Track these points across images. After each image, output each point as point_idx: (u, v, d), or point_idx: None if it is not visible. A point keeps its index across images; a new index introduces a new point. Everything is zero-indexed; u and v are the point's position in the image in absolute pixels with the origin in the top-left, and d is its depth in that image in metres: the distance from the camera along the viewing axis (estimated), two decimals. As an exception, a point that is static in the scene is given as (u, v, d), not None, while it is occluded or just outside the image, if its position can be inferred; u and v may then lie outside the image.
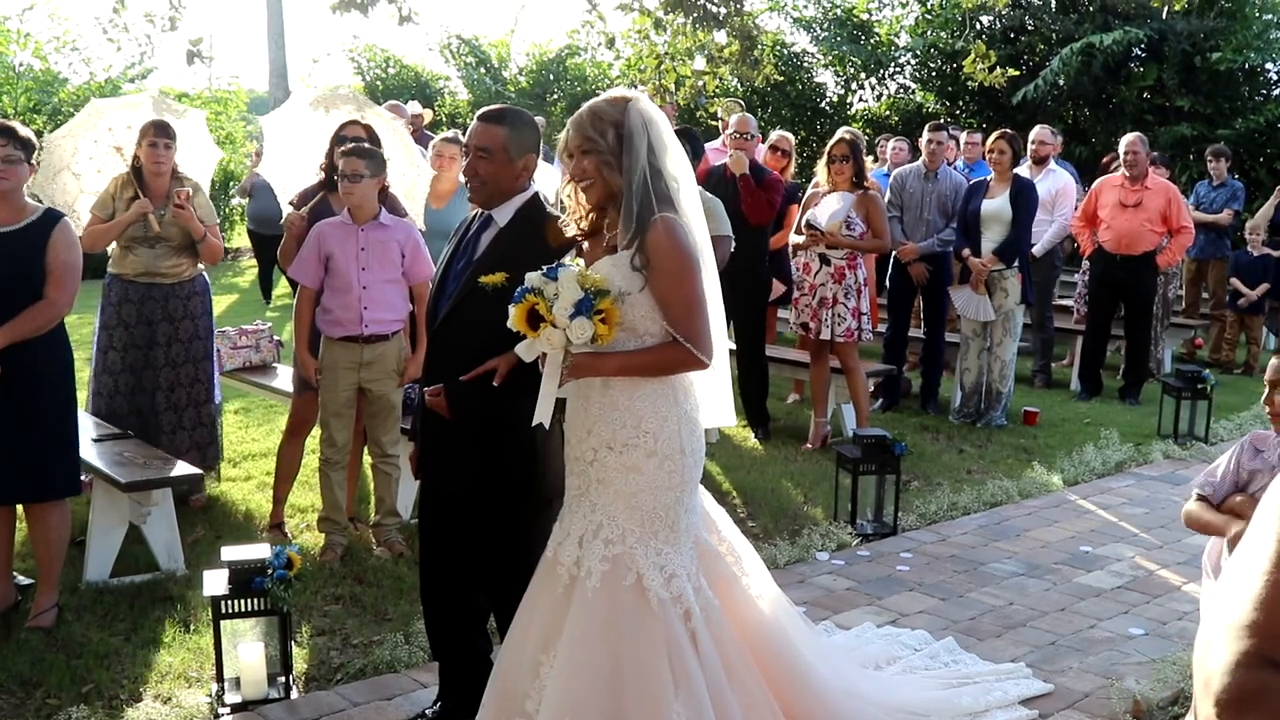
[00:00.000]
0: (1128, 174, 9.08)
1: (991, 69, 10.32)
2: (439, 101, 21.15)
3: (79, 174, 6.52)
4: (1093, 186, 9.52)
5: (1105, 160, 10.75)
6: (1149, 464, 7.37)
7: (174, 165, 5.89)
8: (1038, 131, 9.71)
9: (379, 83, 21.22)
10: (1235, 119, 14.64)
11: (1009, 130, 8.49)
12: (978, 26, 16.83)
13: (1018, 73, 12.99)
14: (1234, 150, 14.44)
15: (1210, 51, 14.63)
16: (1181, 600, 5.07)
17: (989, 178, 8.26)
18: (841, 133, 7.67)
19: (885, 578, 5.31)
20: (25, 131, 4.58)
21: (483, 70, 20.60)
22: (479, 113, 3.62)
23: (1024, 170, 9.54)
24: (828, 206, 7.29)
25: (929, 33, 17.19)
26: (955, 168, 9.44)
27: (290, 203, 5.78)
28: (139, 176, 5.83)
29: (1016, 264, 8.04)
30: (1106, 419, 8.46)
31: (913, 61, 17.93)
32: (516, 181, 3.56)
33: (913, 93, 18.18)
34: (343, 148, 5.21)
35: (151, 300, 5.87)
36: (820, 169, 7.61)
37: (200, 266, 6.06)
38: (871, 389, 8.41)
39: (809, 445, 7.49)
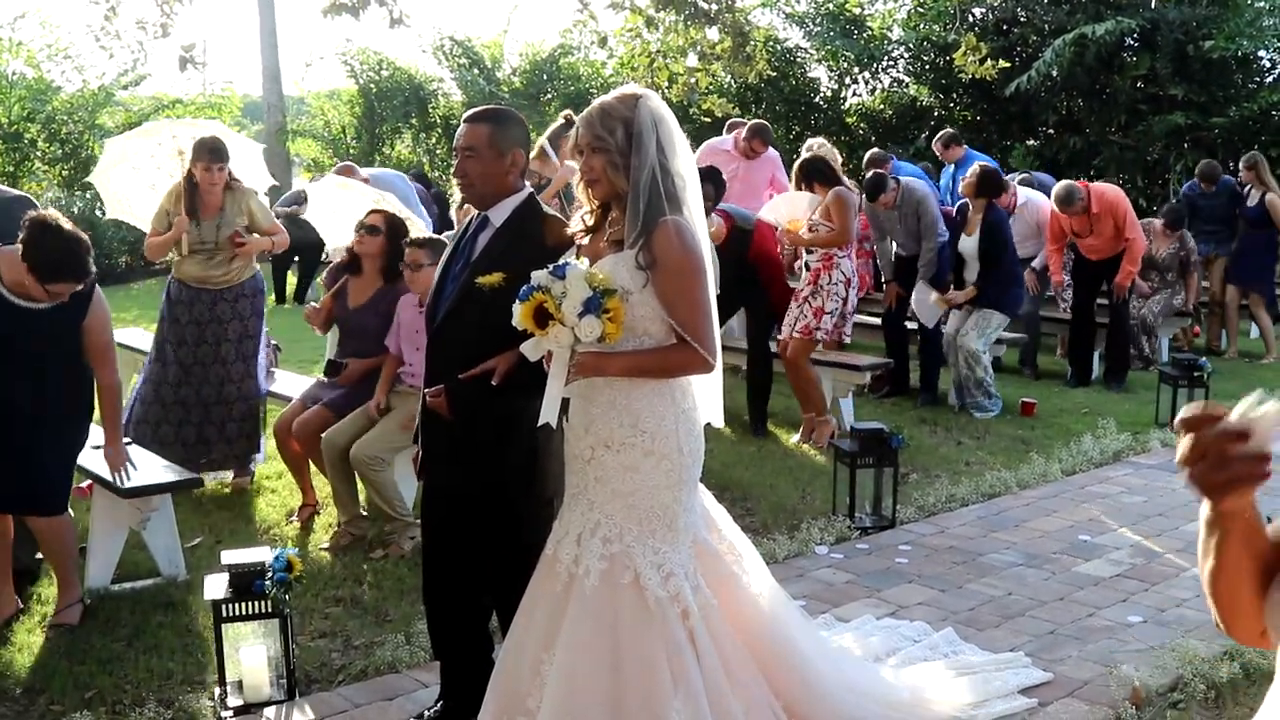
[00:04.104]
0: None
1: (983, 61, 10.35)
2: (433, 103, 21.12)
3: (138, 168, 7.10)
4: (1049, 216, 9.52)
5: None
6: (1146, 453, 7.38)
7: (228, 178, 6.30)
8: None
9: (372, 85, 21.18)
10: (1229, 107, 14.65)
11: (987, 165, 8.80)
12: (970, 19, 16.84)
13: (1009, 64, 13.00)
14: (1228, 138, 14.48)
15: (1203, 40, 14.63)
16: (1180, 587, 5.08)
17: (969, 205, 8.56)
18: (799, 162, 7.80)
19: (884, 570, 5.33)
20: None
21: (476, 71, 20.56)
22: (465, 115, 3.64)
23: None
24: (785, 206, 7.39)
25: (921, 26, 17.21)
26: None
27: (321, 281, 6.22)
28: (191, 190, 6.23)
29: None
30: (1104, 408, 8.47)
31: (906, 55, 17.94)
32: (506, 178, 3.56)
33: (906, 86, 18.19)
34: (406, 240, 5.68)
35: (200, 303, 6.29)
36: (792, 186, 7.76)
37: (255, 267, 6.50)
38: (870, 381, 8.44)
39: (814, 442, 7.52)
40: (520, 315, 3.13)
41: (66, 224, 4.39)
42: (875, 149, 11.23)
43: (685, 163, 3.30)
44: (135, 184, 7.08)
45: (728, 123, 10.55)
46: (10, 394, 4.46)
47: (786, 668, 3.54)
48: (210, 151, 6.16)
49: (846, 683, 3.72)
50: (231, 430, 6.36)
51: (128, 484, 4.86)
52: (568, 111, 6.18)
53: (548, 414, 3.23)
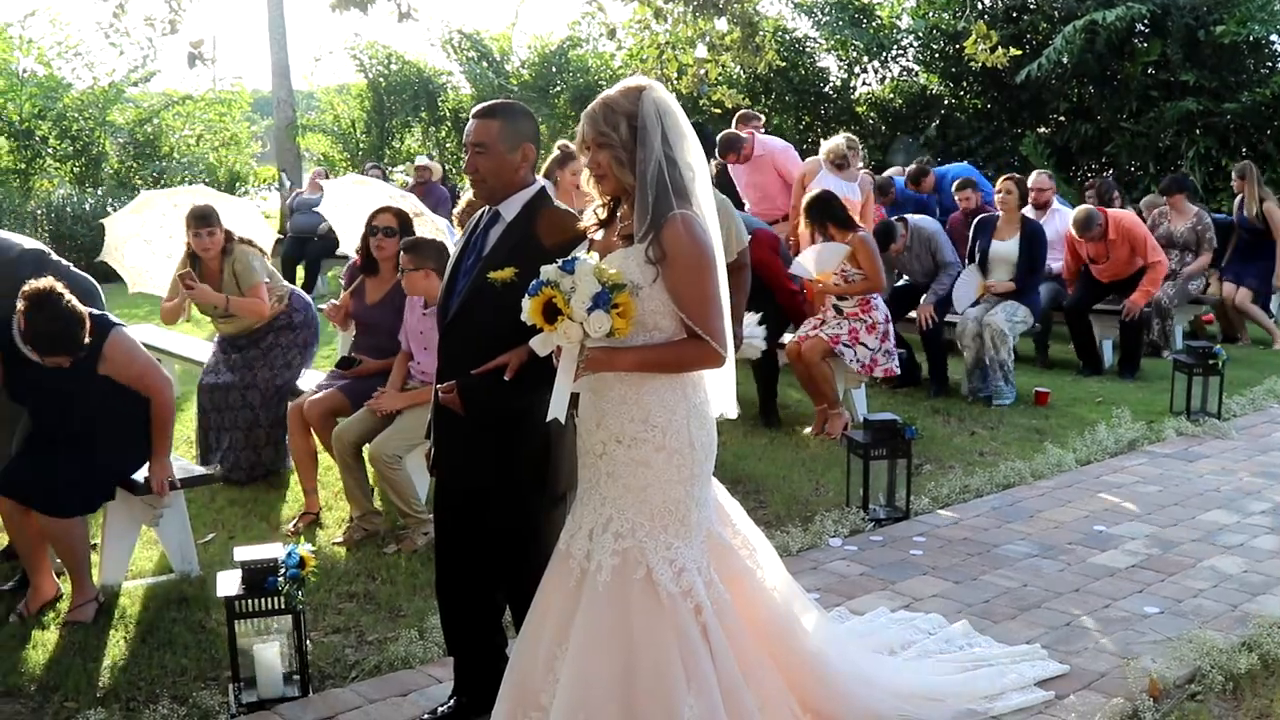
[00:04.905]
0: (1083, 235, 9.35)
1: (993, 49, 10.30)
2: (441, 97, 21.12)
3: (150, 240, 7.46)
4: (1065, 239, 9.67)
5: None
6: (1162, 441, 7.33)
7: (224, 237, 6.45)
8: (1035, 178, 9.94)
9: (381, 80, 21.20)
10: (1240, 92, 14.54)
11: (1016, 174, 8.95)
12: (979, 6, 16.77)
13: (1020, 52, 12.95)
14: (1239, 124, 14.37)
15: (1214, 25, 14.52)
16: (1196, 578, 5.05)
17: (998, 214, 8.66)
18: (807, 199, 7.71)
19: (898, 562, 5.31)
20: None
21: (485, 64, 20.56)
22: (473, 110, 3.62)
23: (1028, 213, 9.70)
24: (815, 256, 7.36)
25: (931, 14, 17.14)
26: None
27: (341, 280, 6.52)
28: (194, 258, 6.49)
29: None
30: (1118, 397, 8.43)
31: (915, 44, 17.88)
32: (516, 173, 3.55)
33: (916, 75, 18.13)
34: (400, 244, 5.64)
35: (243, 338, 6.58)
36: (802, 224, 7.67)
37: (286, 288, 6.69)
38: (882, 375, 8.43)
39: (826, 434, 7.50)
40: (529, 310, 3.10)
41: (64, 297, 4.44)
42: (879, 177, 11.25)
43: (693, 153, 3.26)
44: (151, 255, 7.46)
45: (738, 114, 10.52)
46: (37, 414, 4.70)
47: (801, 662, 3.52)
48: (196, 218, 6.37)
49: (861, 676, 3.71)
50: (257, 437, 6.48)
51: (172, 481, 4.96)
52: (563, 143, 6.13)
53: (556, 409, 3.20)
